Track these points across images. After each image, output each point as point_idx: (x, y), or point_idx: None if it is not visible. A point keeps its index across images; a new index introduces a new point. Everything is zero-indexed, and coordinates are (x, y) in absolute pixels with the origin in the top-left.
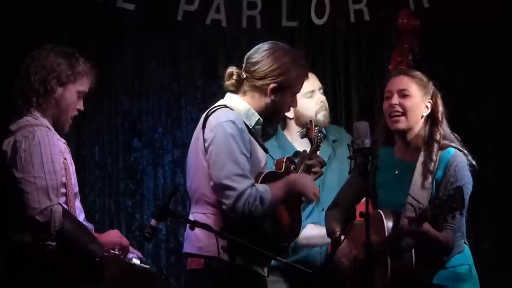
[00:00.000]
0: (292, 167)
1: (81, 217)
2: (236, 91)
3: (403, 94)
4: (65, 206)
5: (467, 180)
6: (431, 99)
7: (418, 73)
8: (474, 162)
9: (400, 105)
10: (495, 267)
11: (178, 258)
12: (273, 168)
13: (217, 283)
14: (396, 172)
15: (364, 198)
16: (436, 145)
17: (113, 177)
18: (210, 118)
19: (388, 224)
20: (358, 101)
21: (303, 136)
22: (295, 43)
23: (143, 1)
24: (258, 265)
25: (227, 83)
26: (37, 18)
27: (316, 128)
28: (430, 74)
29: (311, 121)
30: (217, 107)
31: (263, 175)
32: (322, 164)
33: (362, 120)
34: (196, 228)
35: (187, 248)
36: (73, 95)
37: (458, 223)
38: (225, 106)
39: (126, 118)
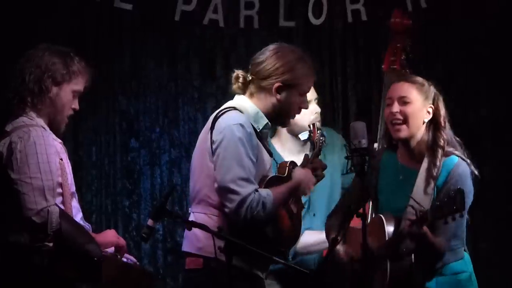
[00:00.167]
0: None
1: (78, 216)
2: (243, 93)
3: (404, 101)
4: (62, 206)
5: (468, 190)
6: (433, 104)
7: (418, 79)
8: (476, 172)
9: (401, 112)
10: (492, 266)
11: (175, 258)
12: (276, 172)
13: (216, 284)
14: (400, 177)
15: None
16: (440, 151)
17: (110, 177)
18: (219, 120)
19: (389, 228)
20: (356, 101)
21: (304, 139)
22: (292, 43)
23: (141, 1)
24: (258, 268)
25: (234, 86)
26: (34, 18)
27: (318, 132)
28: (428, 74)
29: (314, 124)
30: (226, 109)
31: (267, 179)
32: (324, 167)
33: (359, 120)
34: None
35: (186, 247)
36: (68, 94)
37: (452, 232)
38: (235, 108)
39: (124, 118)
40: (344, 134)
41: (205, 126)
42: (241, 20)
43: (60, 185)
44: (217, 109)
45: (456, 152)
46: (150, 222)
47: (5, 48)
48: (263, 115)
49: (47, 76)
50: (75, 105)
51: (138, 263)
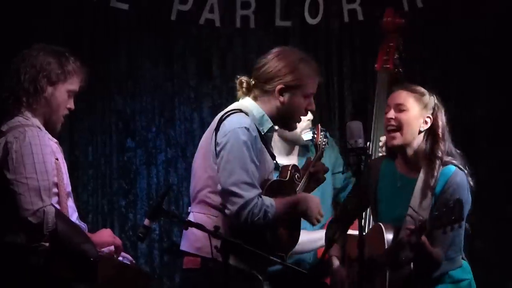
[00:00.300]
0: (296, 176)
1: (74, 216)
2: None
3: (400, 109)
4: (58, 206)
5: (465, 199)
6: (432, 114)
7: (418, 88)
8: (472, 183)
9: (396, 119)
10: (488, 266)
11: (171, 258)
12: (278, 176)
13: (213, 284)
14: (398, 186)
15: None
16: (438, 162)
17: (107, 177)
18: (225, 122)
19: (388, 236)
20: (352, 100)
21: (308, 139)
22: (288, 43)
23: (137, 0)
24: (256, 270)
25: (238, 92)
26: (30, 18)
27: (321, 134)
28: (425, 74)
29: (317, 126)
30: (232, 111)
31: (268, 183)
32: (325, 171)
33: (355, 120)
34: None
35: (185, 246)
36: (63, 94)
37: (450, 241)
38: (240, 110)
39: (120, 117)
40: (340, 134)
41: (209, 127)
42: (237, 19)
43: (56, 185)
44: (213, 109)
45: (454, 162)
46: (146, 221)
47: (1, 48)
48: (269, 119)
49: (42, 76)
50: (71, 104)
51: (134, 261)
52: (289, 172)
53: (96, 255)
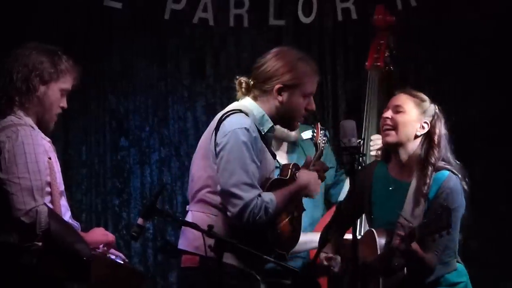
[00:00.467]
0: (297, 174)
1: (67, 215)
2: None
3: (397, 110)
4: (51, 205)
5: (459, 204)
6: (431, 121)
7: (419, 94)
8: (466, 187)
9: (392, 119)
10: (482, 266)
11: (165, 257)
12: (279, 174)
13: (211, 282)
14: (390, 189)
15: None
16: (430, 168)
17: (100, 176)
18: (225, 122)
19: (381, 242)
20: (345, 99)
21: (307, 138)
22: (282, 42)
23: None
24: (253, 268)
25: (238, 93)
26: (24, 18)
27: (321, 132)
28: (419, 73)
29: (317, 125)
30: (232, 112)
31: (269, 182)
32: (325, 170)
33: (349, 119)
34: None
35: (183, 245)
36: (56, 93)
37: (443, 246)
38: (240, 110)
39: (114, 117)
40: (333, 133)
41: (208, 127)
42: (231, 18)
43: (49, 184)
44: (206, 108)
45: (448, 166)
46: (140, 221)
47: None
48: (269, 119)
49: (35, 75)
50: (63, 103)
51: (127, 260)
52: (289, 170)
53: (89, 254)
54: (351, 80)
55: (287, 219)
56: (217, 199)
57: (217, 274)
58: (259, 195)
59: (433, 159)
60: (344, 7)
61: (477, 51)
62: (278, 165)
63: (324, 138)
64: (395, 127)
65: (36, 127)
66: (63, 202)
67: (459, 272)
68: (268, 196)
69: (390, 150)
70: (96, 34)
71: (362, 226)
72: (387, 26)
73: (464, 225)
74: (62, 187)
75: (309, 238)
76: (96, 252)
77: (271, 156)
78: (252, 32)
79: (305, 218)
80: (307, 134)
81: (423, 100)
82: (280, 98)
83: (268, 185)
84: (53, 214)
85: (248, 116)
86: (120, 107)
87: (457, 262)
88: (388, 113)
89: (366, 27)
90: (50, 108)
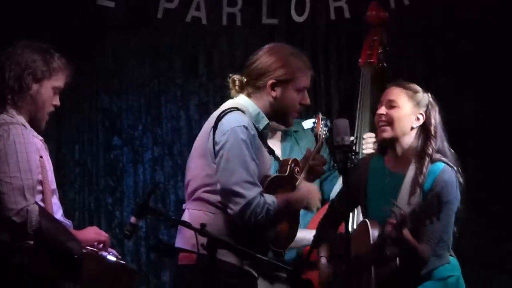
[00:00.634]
0: (296, 170)
1: (59, 213)
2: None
3: (391, 105)
4: (42, 204)
5: (453, 196)
6: (425, 112)
7: (411, 85)
8: (461, 179)
9: (386, 115)
10: (474, 262)
11: (158, 255)
12: (277, 170)
13: (208, 280)
14: (386, 182)
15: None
16: (427, 159)
17: (93, 175)
18: (223, 120)
19: (374, 233)
20: (338, 98)
21: (308, 128)
22: (275, 41)
23: None
24: (251, 266)
25: (232, 91)
26: (16, 17)
27: (322, 123)
28: (411, 72)
29: (318, 115)
30: (229, 110)
31: (268, 180)
32: (324, 163)
33: (342, 117)
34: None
35: (180, 243)
36: (48, 91)
37: (437, 237)
38: (237, 108)
39: (106, 115)
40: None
41: (205, 125)
42: (223, 17)
43: (40, 182)
44: (199, 107)
45: (443, 159)
46: (133, 219)
47: None
48: (264, 116)
49: (27, 73)
50: (56, 101)
51: (120, 257)
52: (288, 166)
53: (80, 252)
54: (344, 79)
55: (285, 218)
56: (215, 197)
57: (219, 271)
58: (261, 194)
59: (430, 150)
60: (337, 6)
61: (471, 50)
62: (274, 158)
63: (325, 128)
64: (390, 122)
65: (28, 126)
66: (55, 201)
67: (452, 265)
68: (271, 198)
69: (386, 145)
70: (89, 33)
71: (355, 221)
72: (381, 22)
73: (458, 218)
74: (53, 186)
75: (302, 235)
76: (88, 250)
77: (267, 154)
78: (245, 31)
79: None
80: (308, 124)
81: (416, 92)
82: (273, 93)
83: (267, 182)
84: (44, 213)
85: (244, 113)
86: (113, 106)
87: (450, 255)
88: (382, 109)
89: (359, 26)
90: (42, 106)
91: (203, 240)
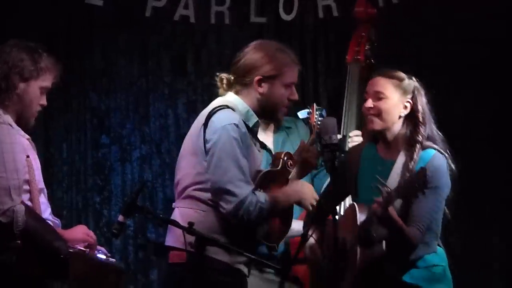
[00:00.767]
0: (289, 163)
1: (47, 212)
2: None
3: (378, 97)
4: (30, 203)
5: (443, 182)
6: (412, 98)
7: (396, 73)
8: (453, 166)
9: (375, 108)
10: (460, 260)
11: (145, 253)
12: (270, 164)
13: (199, 278)
14: (377, 169)
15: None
16: (418, 146)
17: (81, 173)
18: (213, 118)
19: (361, 215)
20: (327, 97)
21: (303, 117)
22: (263, 39)
23: None
24: (241, 264)
25: (220, 90)
26: (5, 15)
27: (317, 113)
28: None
29: (312, 105)
30: (219, 107)
31: (261, 174)
32: (318, 155)
33: (330, 116)
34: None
35: (170, 241)
36: (36, 90)
37: (426, 222)
38: (227, 106)
39: (95, 114)
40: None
41: (195, 123)
42: (212, 16)
43: (27, 182)
44: (187, 105)
45: (434, 146)
46: (120, 218)
47: None
48: (254, 114)
49: (14, 73)
50: (43, 101)
51: (109, 255)
52: (281, 160)
53: (67, 252)
54: (332, 77)
55: (278, 214)
56: (206, 195)
57: (209, 269)
58: (254, 192)
59: (419, 137)
60: (325, 4)
61: (460, 49)
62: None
63: (320, 119)
64: (379, 114)
65: (15, 125)
66: (43, 200)
67: (438, 255)
68: (263, 197)
69: (376, 134)
70: (77, 32)
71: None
72: (368, 18)
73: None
74: (41, 185)
75: (291, 227)
76: (75, 250)
77: (258, 151)
78: (233, 30)
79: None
80: (302, 114)
81: (402, 80)
82: (260, 89)
83: (259, 177)
84: (31, 213)
85: (235, 111)
86: (101, 105)
87: (438, 245)
88: (370, 102)
89: (347, 24)
90: (29, 106)
91: (191, 238)
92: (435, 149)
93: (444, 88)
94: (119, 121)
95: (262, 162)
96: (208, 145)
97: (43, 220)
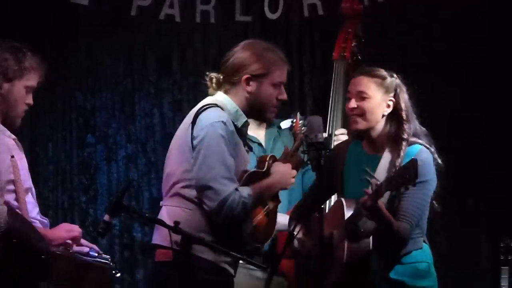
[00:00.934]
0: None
1: (34, 211)
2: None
3: (361, 97)
4: (15, 203)
5: (430, 177)
6: (394, 96)
7: (378, 72)
8: (439, 161)
9: (358, 108)
10: (448, 259)
11: (131, 253)
12: (256, 166)
13: (185, 276)
14: (364, 164)
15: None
16: (404, 143)
17: (67, 173)
18: (201, 116)
19: (349, 210)
20: (312, 96)
21: (286, 128)
22: (248, 38)
23: None
24: (227, 263)
25: (209, 89)
26: None
27: (300, 122)
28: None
29: (296, 114)
30: (208, 106)
31: (246, 175)
32: (301, 162)
33: (315, 115)
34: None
35: (157, 239)
36: (21, 90)
37: (415, 216)
38: (216, 105)
39: (80, 113)
40: None
41: (184, 121)
42: (197, 15)
43: (13, 182)
44: (173, 104)
45: (420, 141)
46: (106, 217)
47: None
48: (243, 114)
49: None
50: (29, 100)
51: (101, 252)
52: (266, 163)
53: (48, 252)
54: (317, 76)
55: (262, 213)
56: (192, 193)
57: (196, 268)
58: (237, 189)
59: (405, 134)
60: (311, 3)
61: (444, 47)
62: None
63: (303, 128)
64: (362, 114)
65: (0, 125)
66: (29, 199)
67: (424, 251)
68: (246, 192)
69: (360, 134)
70: (62, 31)
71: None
72: (355, 14)
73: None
74: (28, 184)
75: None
76: (58, 249)
77: (245, 152)
78: (219, 28)
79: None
80: (285, 124)
81: (384, 78)
82: (248, 88)
83: (244, 177)
84: (13, 213)
85: (223, 110)
86: (87, 104)
87: (424, 242)
88: (353, 103)
89: (333, 23)
90: (15, 106)
91: (178, 237)
92: (420, 144)
93: (429, 87)
94: (105, 120)
95: (253, 157)
96: (195, 142)
97: (26, 221)
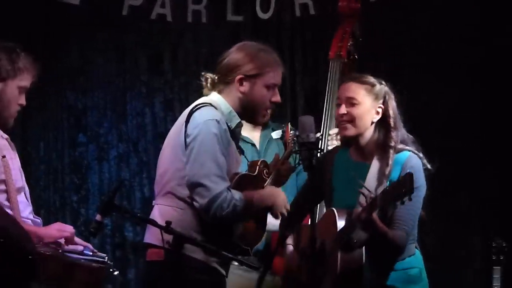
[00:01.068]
0: (265, 171)
1: (27, 211)
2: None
3: (351, 103)
4: (7, 203)
5: (420, 183)
6: (383, 104)
7: (367, 79)
8: (429, 166)
9: (348, 114)
10: (440, 260)
11: (123, 252)
12: (247, 170)
13: (176, 276)
14: (351, 174)
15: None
16: (391, 151)
17: (58, 172)
18: (195, 114)
19: (341, 220)
20: (304, 95)
21: (277, 138)
22: (240, 38)
23: None
24: (218, 263)
25: (204, 89)
26: None
27: (291, 133)
28: (376, 69)
29: (287, 124)
30: (202, 105)
31: (237, 177)
32: (292, 170)
33: (307, 115)
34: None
35: (149, 239)
36: (14, 90)
37: (410, 223)
38: (210, 104)
39: (72, 113)
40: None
41: (177, 121)
42: (189, 14)
43: (4, 182)
44: (164, 104)
45: (408, 148)
46: (98, 217)
47: None
48: (236, 114)
49: None
50: (22, 101)
51: (96, 251)
52: (257, 167)
53: (35, 253)
54: (309, 75)
55: (252, 218)
56: (185, 192)
57: (187, 267)
58: (229, 189)
59: (392, 142)
60: (302, 2)
61: (438, 47)
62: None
63: (294, 138)
64: (352, 120)
65: None
66: (22, 199)
67: (415, 257)
68: (238, 195)
69: (349, 140)
70: (54, 31)
71: (320, 214)
72: (352, 13)
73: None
74: (20, 184)
75: (268, 221)
76: (47, 250)
77: (237, 153)
78: (210, 28)
79: None
80: (276, 134)
81: (373, 85)
82: (242, 88)
83: (235, 180)
84: (2, 213)
85: (217, 110)
86: (78, 103)
87: (416, 247)
88: (343, 109)
89: (324, 22)
90: (8, 106)
91: (170, 236)
92: (409, 150)
93: (427, 87)
94: (96, 119)
95: (248, 156)
96: (188, 139)
97: (15, 221)
